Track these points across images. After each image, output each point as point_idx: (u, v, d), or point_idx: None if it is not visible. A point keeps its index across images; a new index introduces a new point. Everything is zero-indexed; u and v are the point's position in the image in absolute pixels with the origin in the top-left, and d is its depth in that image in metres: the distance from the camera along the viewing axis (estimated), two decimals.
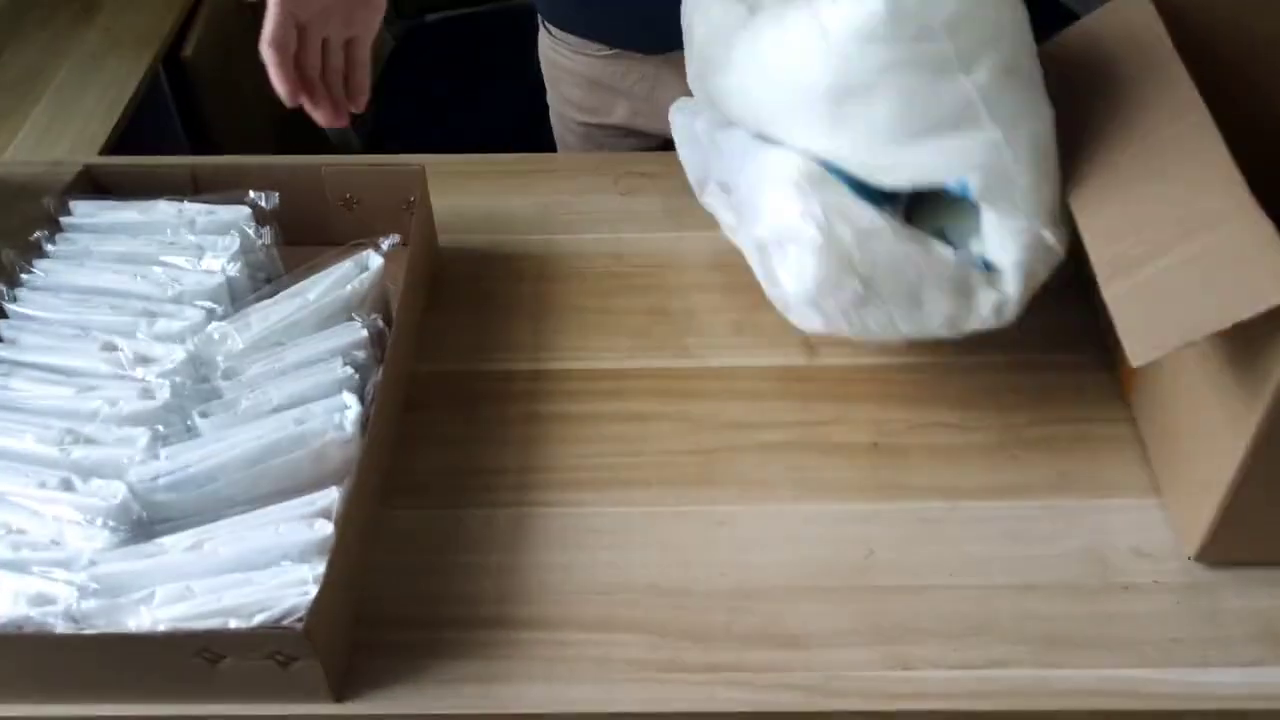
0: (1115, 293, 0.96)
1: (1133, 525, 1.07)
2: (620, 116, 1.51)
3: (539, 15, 1.52)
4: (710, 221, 1.23)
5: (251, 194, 1.26)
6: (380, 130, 2.12)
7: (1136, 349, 0.92)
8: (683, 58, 1.39)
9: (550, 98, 1.59)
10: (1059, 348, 1.22)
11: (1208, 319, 0.88)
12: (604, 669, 0.99)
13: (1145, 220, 0.98)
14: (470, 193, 1.42)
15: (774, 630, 1.01)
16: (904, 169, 1.04)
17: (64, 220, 1.25)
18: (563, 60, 1.51)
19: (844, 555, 1.06)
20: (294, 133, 2.61)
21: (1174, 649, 0.99)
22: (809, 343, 1.22)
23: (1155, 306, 0.93)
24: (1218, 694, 0.96)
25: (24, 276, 1.19)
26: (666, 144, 1.49)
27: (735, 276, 1.28)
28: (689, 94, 1.43)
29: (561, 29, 1.49)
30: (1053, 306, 1.24)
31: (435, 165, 1.32)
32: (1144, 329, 0.93)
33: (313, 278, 1.17)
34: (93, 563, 0.96)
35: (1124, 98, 1.07)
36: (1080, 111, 1.09)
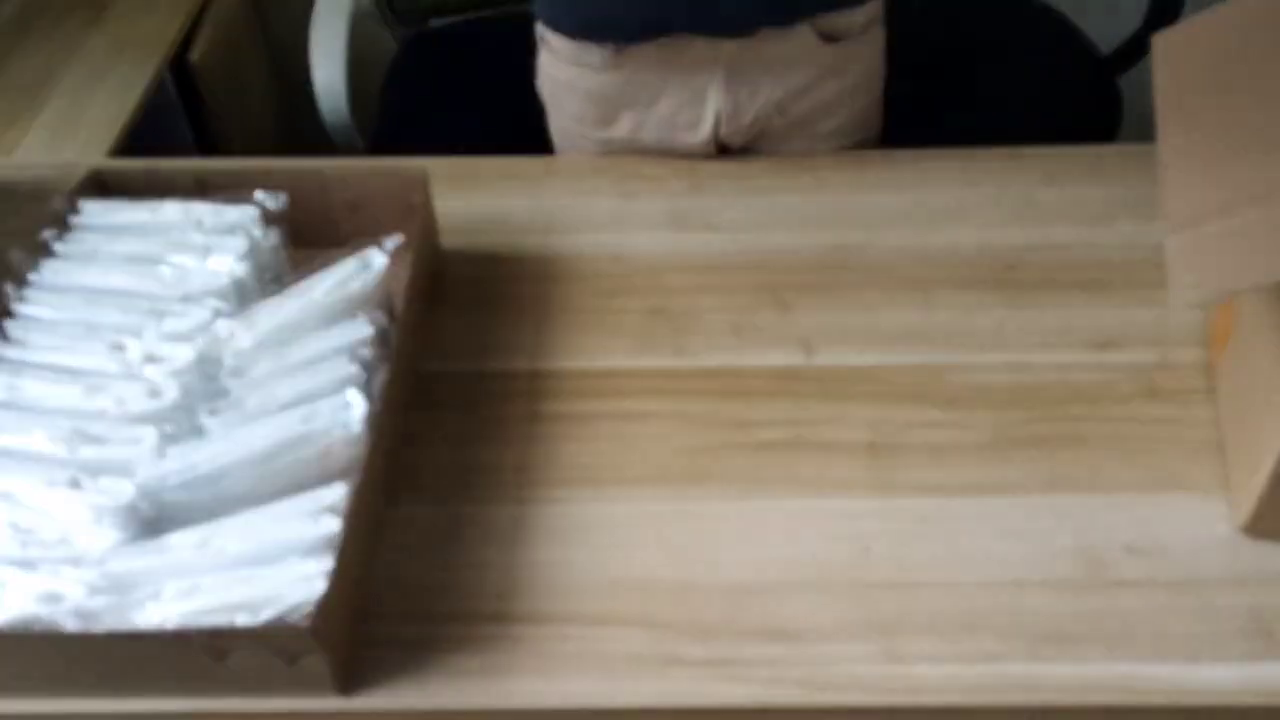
0: (1175, 242, 0.99)
1: (1125, 522, 1.08)
2: (625, 129, 1.50)
3: (538, 32, 1.52)
4: (709, 224, 1.23)
5: (259, 194, 1.26)
6: (384, 133, 2.13)
7: (1179, 293, 0.96)
8: (683, 59, 1.40)
9: (553, 118, 1.58)
10: (1052, 347, 1.23)
11: (1253, 275, 0.93)
12: (604, 663, 1.00)
13: (1224, 184, 1.01)
14: (472, 195, 1.43)
15: (771, 625, 1.02)
16: None
17: (73, 220, 1.26)
18: (563, 76, 1.51)
19: (841, 552, 1.07)
20: (299, 136, 2.62)
21: (1165, 644, 1.00)
22: (806, 343, 1.24)
23: (1208, 259, 0.97)
24: (1209, 689, 0.97)
25: (32, 277, 1.19)
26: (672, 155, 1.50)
27: (733, 278, 1.29)
28: (692, 103, 1.44)
29: (557, 30, 1.49)
30: (1047, 307, 1.26)
31: (438, 168, 1.33)
32: (1191, 276, 0.97)
33: (317, 276, 1.18)
34: (101, 561, 0.97)
35: (1247, 74, 1.09)
36: (1200, 82, 1.12)
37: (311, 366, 1.12)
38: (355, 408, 1.07)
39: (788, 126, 1.49)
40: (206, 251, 1.22)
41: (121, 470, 1.03)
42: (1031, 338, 1.23)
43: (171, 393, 1.09)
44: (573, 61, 1.47)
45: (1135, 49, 2.13)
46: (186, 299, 1.18)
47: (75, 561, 0.98)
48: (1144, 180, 1.13)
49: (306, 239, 1.29)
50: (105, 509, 1.00)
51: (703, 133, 1.47)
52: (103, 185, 1.32)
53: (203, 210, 1.26)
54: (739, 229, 1.38)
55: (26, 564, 0.98)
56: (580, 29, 1.46)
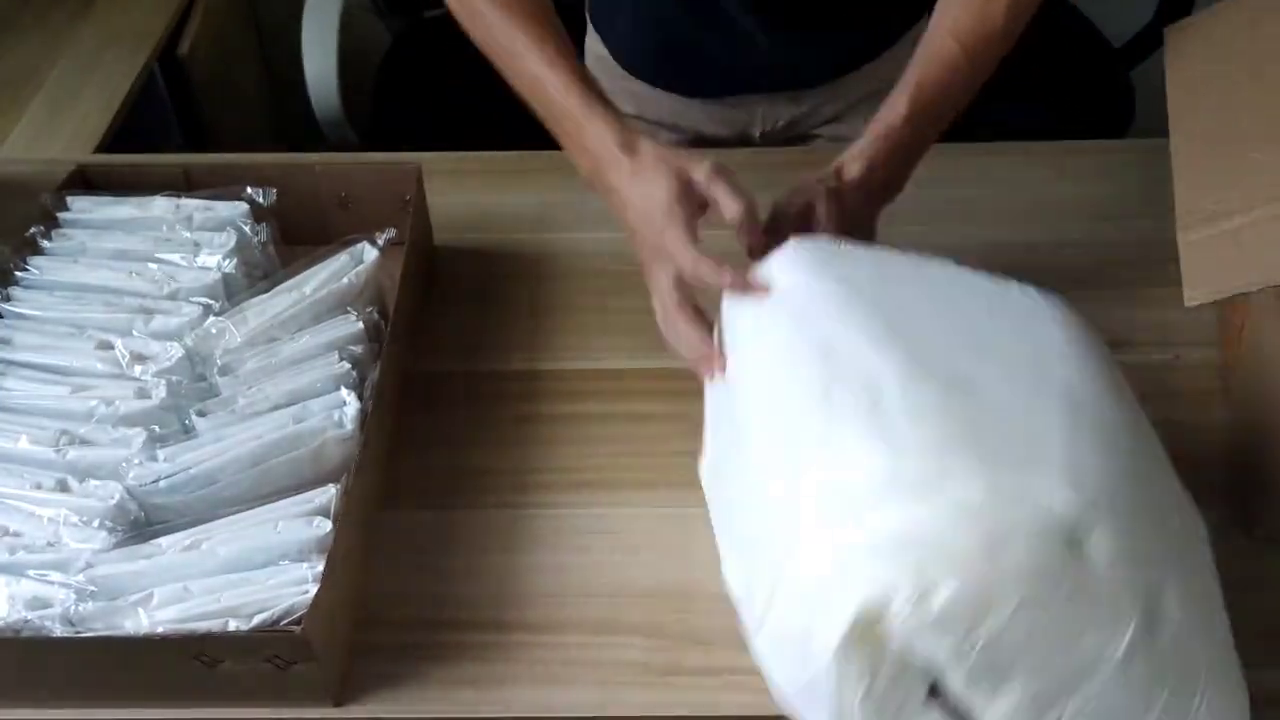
0: (1189, 239, 0.99)
1: None
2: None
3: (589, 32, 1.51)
4: (710, 219, 1.21)
5: (249, 190, 1.25)
6: (377, 128, 2.12)
7: (1193, 291, 0.96)
8: None
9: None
10: None
11: (1268, 273, 0.93)
12: (604, 672, 0.98)
13: (1237, 180, 1.00)
14: (467, 191, 1.41)
15: None
16: None
17: (61, 216, 1.24)
18: (600, 75, 1.51)
19: None
20: (291, 130, 2.61)
21: None
22: None
23: (1222, 256, 0.96)
24: None
25: (19, 274, 1.18)
26: (694, 141, 1.49)
27: None
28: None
29: (616, 61, 1.49)
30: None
31: (432, 163, 1.31)
32: (1205, 273, 0.97)
33: (308, 271, 1.17)
34: (89, 565, 0.96)
35: (1259, 68, 1.08)
36: (1212, 77, 1.12)
37: (302, 364, 1.10)
38: (348, 406, 1.05)
39: (819, 123, 1.51)
40: (195, 248, 1.21)
41: (110, 472, 1.02)
42: None
43: (160, 392, 1.07)
44: (613, 77, 1.47)
45: (1148, 42, 2.13)
46: (175, 296, 1.16)
47: (63, 566, 0.96)
48: (1157, 176, 1.11)
49: (297, 235, 1.28)
50: (94, 511, 0.99)
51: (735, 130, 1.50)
52: (90, 181, 1.31)
53: (192, 206, 1.25)
54: None
55: (13, 568, 0.96)
56: (644, 74, 1.46)
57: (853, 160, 1.08)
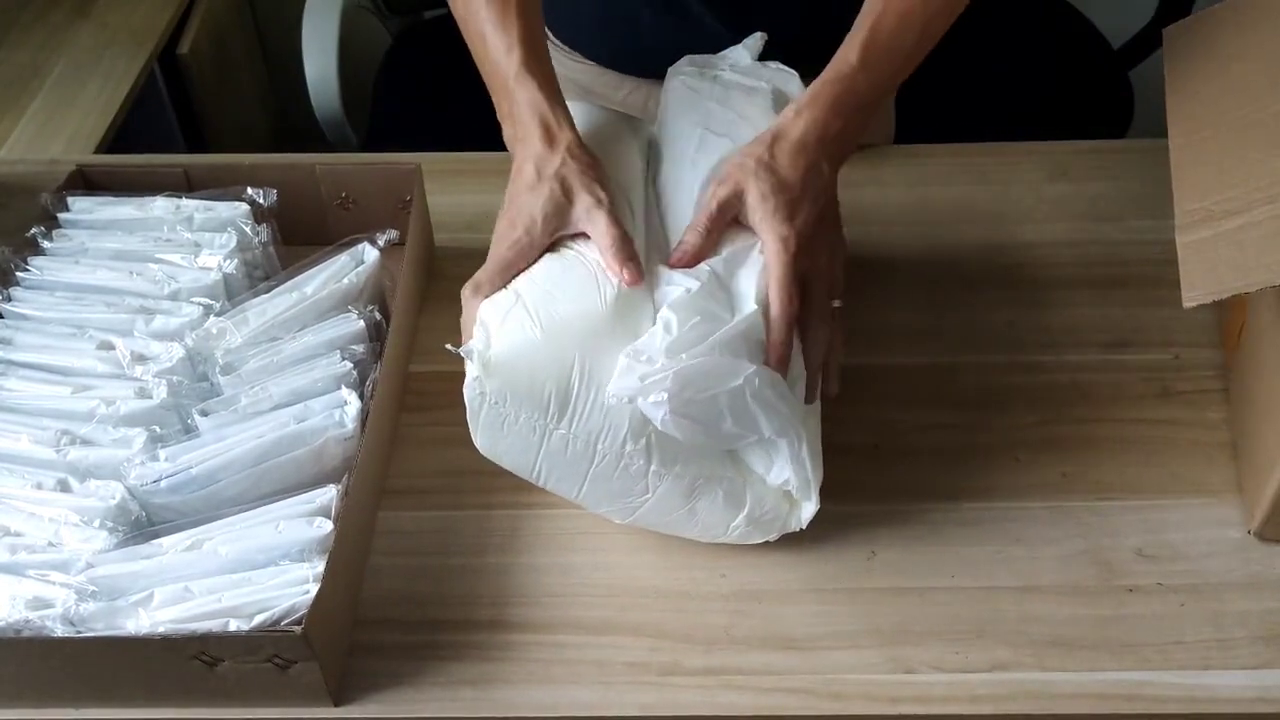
0: (1188, 239, 0.99)
1: (1136, 527, 1.06)
2: None
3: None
4: None
5: (249, 190, 1.25)
6: (377, 128, 2.11)
7: (1191, 291, 0.96)
8: None
9: None
10: (1062, 347, 1.21)
11: (1267, 273, 0.92)
12: (603, 672, 0.98)
13: (1235, 181, 1.00)
14: (467, 191, 1.40)
15: (774, 633, 1.00)
16: None
17: (61, 216, 1.24)
18: (557, 66, 1.50)
19: (845, 557, 1.05)
20: (291, 131, 2.61)
21: (1176, 652, 0.98)
22: None
23: (1220, 256, 0.96)
24: (1221, 697, 0.96)
25: (19, 275, 1.18)
26: None
27: None
28: None
29: (558, 38, 1.48)
30: (1057, 306, 1.24)
31: (432, 163, 1.31)
32: (1204, 273, 0.96)
33: (309, 272, 1.17)
34: (90, 565, 0.95)
35: (1258, 68, 1.08)
36: (1211, 77, 1.12)
37: (303, 363, 1.10)
38: (349, 406, 1.05)
39: None
40: (196, 248, 1.20)
41: (111, 472, 1.01)
42: (1041, 337, 1.22)
43: (161, 392, 1.07)
44: (568, 55, 1.46)
45: (1147, 43, 2.14)
46: (175, 296, 1.16)
47: (64, 566, 0.96)
48: (1156, 176, 1.11)
49: (297, 236, 1.27)
50: (95, 511, 0.99)
51: None
52: (90, 181, 1.30)
53: (192, 206, 1.24)
54: None
55: (14, 569, 0.96)
56: (579, 47, 1.44)
57: (798, 113, 1.05)
